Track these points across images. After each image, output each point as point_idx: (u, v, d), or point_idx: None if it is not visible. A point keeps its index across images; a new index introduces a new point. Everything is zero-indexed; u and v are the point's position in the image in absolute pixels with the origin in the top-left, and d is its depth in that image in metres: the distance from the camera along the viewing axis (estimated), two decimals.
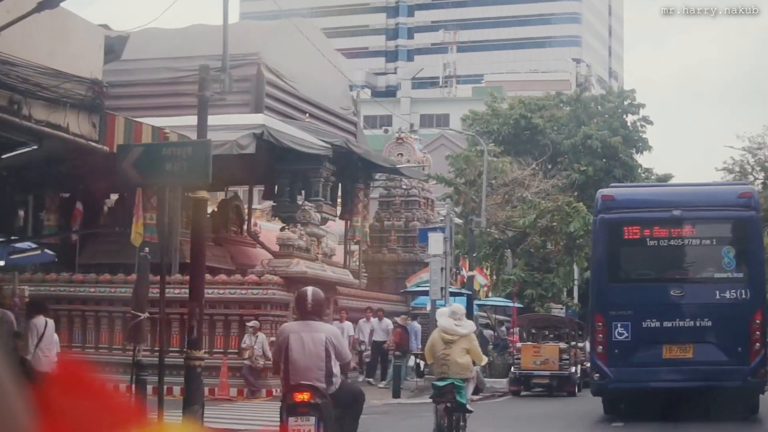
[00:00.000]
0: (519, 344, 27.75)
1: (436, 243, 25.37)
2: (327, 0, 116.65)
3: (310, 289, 9.97)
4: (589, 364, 33.72)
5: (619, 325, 16.94)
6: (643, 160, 49.73)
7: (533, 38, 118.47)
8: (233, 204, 35.17)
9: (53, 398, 1.64)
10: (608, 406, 18.68)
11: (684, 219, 17.32)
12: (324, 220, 30.07)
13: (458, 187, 35.79)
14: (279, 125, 27.48)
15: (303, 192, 30.38)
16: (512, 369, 27.47)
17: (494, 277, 36.65)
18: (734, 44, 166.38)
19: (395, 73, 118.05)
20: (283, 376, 9.67)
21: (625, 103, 47.35)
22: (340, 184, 34.20)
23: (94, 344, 25.45)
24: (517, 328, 30.70)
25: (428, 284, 27.44)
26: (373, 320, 28.08)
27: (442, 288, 25.28)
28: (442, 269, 25.23)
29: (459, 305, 14.78)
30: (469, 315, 29.62)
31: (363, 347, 27.82)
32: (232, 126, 26.22)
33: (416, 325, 29.53)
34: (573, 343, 29.83)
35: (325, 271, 26.89)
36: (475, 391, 15.78)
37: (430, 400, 23.71)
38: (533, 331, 29.81)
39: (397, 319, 27.82)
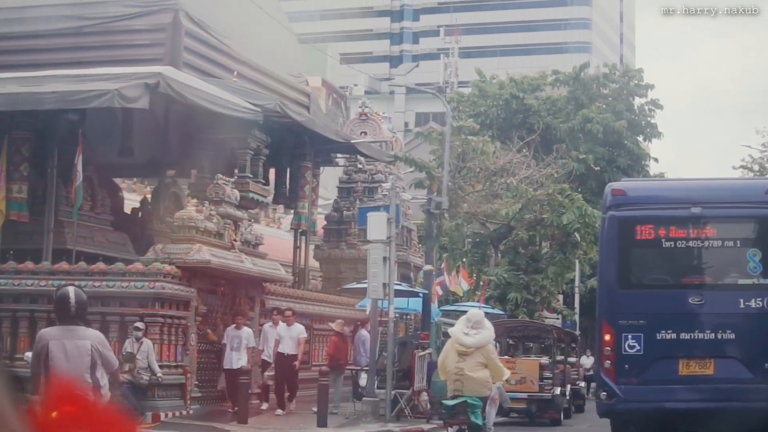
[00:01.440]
0: None
1: (377, 225, 19.58)
2: (329, 3, 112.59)
3: (71, 289, 8.75)
4: (583, 384, 28.39)
5: (629, 336, 15.17)
6: (652, 149, 44.03)
7: (543, 44, 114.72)
8: (170, 191, 29.66)
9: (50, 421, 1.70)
10: (617, 428, 16.40)
11: (704, 217, 15.45)
12: (254, 203, 24.45)
13: (431, 171, 29.97)
14: (188, 79, 21.87)
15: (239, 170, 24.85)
16: None
17: (474, 278, 30.76)
18: (749, 55, 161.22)
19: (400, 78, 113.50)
20: (44, 390, 8.36)
21: (632, 83, 41.62)
22: (289, 169, 28.69)
23: None
24: None
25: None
26: (282, 325, 21.01)
27: (384, 284, 19.44)
28: (385, 259, 19.45)
29: (476, 311, 13.51)
30: (427, 319, 23.88)
31: (263, 358, 21.00)
32: (123, 75, 20.67)
33: (364, 334, 23.78)
34: (561, 357, 24.16)
35: (242, 262, 21.19)
36: (498, 410, 14.02)
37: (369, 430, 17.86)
38: (510, 341, 24.06)
39: (332, 325, 21.88)
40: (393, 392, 20.36)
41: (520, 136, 34.05)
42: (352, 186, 31.08)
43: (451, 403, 12.00)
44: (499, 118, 39.86)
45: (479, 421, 11.80)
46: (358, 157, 29.71)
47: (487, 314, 27.76)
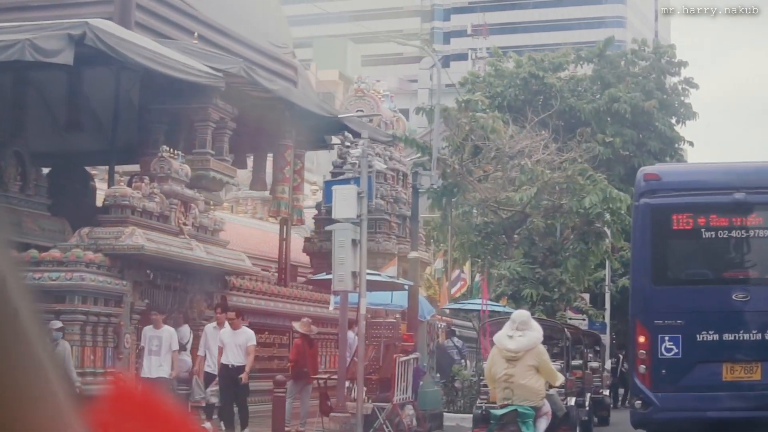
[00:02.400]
0: (484, 363, 18.32)
1: (345, 201, 16.08)
2: (359, 4, 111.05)
3: None
4: (606, 393, 24.91)
5: (666, 338, 14.56)
6: (686, 132, 40.41)
7: (576, 43, 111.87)
8: None
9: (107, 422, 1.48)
10: None
11: (749, 204, 14.73)
12: (219, 183, 21.12)
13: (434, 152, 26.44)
14: (125, 33, 18.55)
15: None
16: (478, 401, 18.10)
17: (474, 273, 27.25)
18: None
19: (431, 79, 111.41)
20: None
21: (663, 60, 38.00)
22: (272, 154, 25.38)
23: None
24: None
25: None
26: (226, 329, 16.84)
27: (354, 273, 15.92)
28: (354, 242, 15.94)
29: (522, 311, 12.80)
30: (413, 315, 20.34)
31: (206, 370, 16.93)
32: (46, 26, 17.43)
33: (351, 336, 20.26)
34: (578, 362, 20.65)
35: (191, 250, 17.77)
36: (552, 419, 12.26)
37: None
38: None
39: (296, 325, 18.29)
40: (371, 405, 16.87)
41: (536, 112, 30.46)
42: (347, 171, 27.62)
43: (500, 412, 11.38)
44: (517, 100, 36.30)
45: None
46: (347, 135, 26.29)
47: (495, 313, 24.44)
